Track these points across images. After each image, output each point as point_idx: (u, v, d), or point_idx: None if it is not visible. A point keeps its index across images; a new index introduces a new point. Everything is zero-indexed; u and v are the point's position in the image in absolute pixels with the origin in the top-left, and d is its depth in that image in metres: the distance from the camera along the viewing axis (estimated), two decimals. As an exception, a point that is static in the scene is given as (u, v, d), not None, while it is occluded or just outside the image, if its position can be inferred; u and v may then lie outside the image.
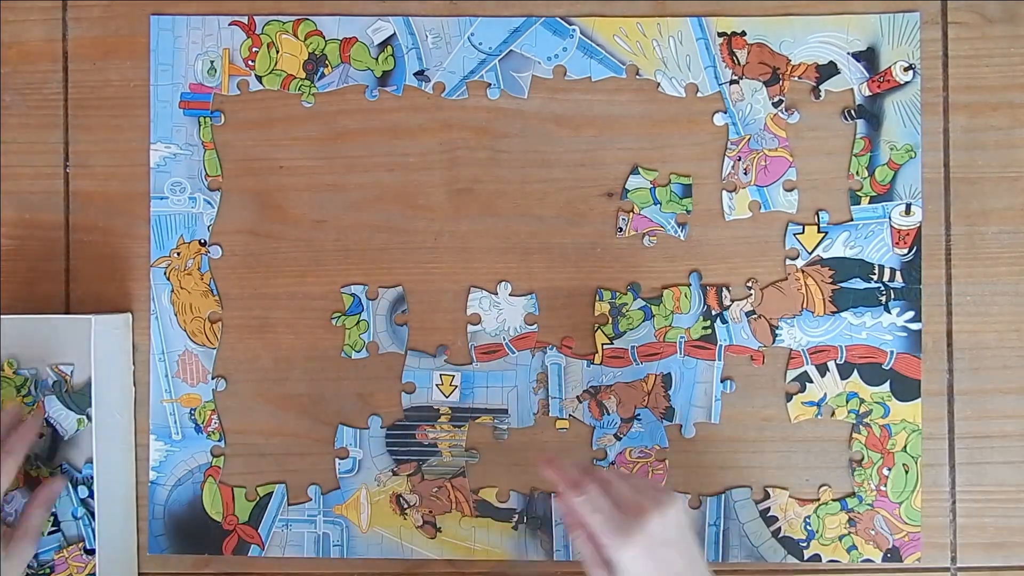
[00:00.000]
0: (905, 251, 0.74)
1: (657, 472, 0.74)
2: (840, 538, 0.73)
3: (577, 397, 0.74)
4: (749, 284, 0.74)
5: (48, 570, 0.74)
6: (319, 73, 0.75)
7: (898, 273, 0.74)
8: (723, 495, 0.74)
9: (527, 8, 0.75)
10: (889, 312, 0.74)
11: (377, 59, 0.75)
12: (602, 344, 0.74)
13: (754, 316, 0.74)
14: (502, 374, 0.74)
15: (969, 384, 0.74)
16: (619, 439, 0.74)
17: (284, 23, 0.75)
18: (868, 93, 0.74)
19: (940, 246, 0.74)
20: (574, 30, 0.74)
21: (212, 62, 0.75)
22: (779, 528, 0.74)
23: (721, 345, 0.74)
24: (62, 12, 0.75)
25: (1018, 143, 0.74)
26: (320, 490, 0.74)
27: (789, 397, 0.74)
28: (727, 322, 0.74)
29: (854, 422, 0.74)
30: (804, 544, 0.74)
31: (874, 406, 0.73)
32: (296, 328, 0.75)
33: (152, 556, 0.74)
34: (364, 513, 0.74)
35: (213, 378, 0.74)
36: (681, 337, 0.74)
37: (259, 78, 0.75)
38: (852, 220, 0.74)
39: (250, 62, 0.75)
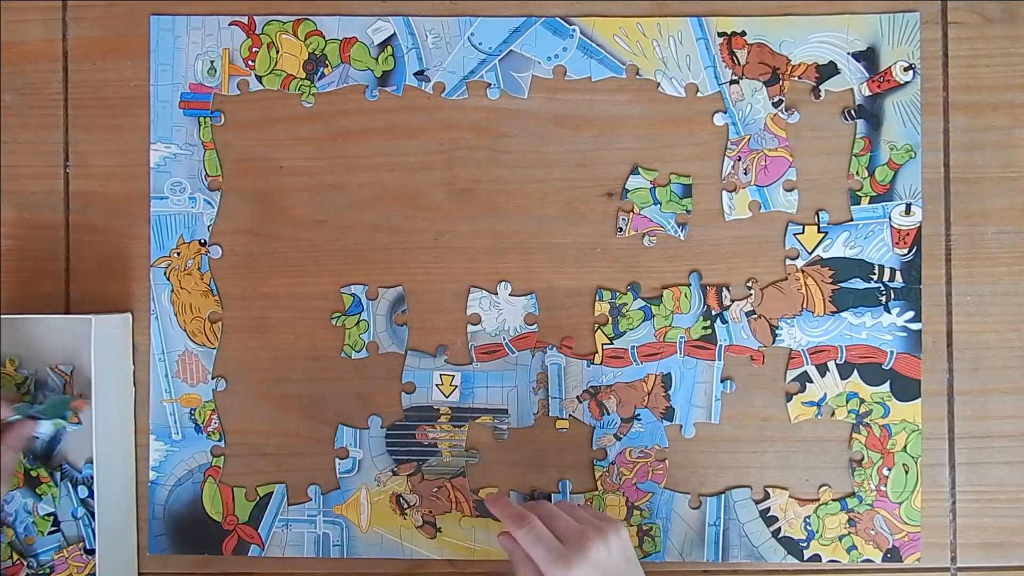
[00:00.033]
0: (905, 251, 0.74)
1: (657, 472, 0.74)
2: (840, 538, 0.73)
3: (577, 397, 0.74)
4: (749, 284, 0.74)
5: (48, 570, 0.74)
6: (319, 73, 0.75)
7: (898, 273, 0.74)
8: (723, 495, 0.74)
9: (527, 8, 0.75)
10: (889, 312, 0.74)
11: (377, 59, 0.75)
12: (602, 344, 0.74)
13: (754, 316, 0.74)
14: (502, 374, 0.74)
15: (969, 384, 0.74)
16: (619, 439, 0.74)
17: (284, 23, 0.75)
18: (868, 93, 0.74)
19: (940, 246, 0.74)
20: (574, 30, 0.74)
21: (212, 62, 0.75)
22: (779, 528, 0.74)
23: (721, 345, 0.74)
24: (62, 12, 0.75)
25: (1018, 143, 0.74)
26: (320, 490, 0.74)
27: (789, 397, 0.74)
28: (727, 322, 0.74)
29: (854, 422, 0.74)
30: (804, 544, 0.74)
31: (874, 406, 0.73)
32: (296, 328, 0.74)
33: (152, 556, 0.74)
34: (364, 513, 0.74)
35: (213, 378, 0.74)
36: (681, 337, 0.74)
37: (259, 78, 0.75)
38: (852, 220, 0.74)
39: (250, 62, 0.75)
